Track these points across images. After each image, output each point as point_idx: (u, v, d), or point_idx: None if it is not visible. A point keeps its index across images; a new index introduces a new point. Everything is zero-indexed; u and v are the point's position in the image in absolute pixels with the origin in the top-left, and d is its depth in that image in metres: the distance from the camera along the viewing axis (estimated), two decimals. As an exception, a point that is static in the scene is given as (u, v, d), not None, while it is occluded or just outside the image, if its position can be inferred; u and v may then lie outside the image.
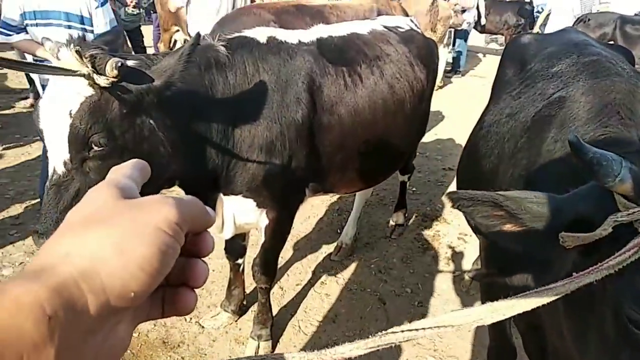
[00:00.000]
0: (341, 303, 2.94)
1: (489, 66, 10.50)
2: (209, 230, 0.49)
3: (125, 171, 0.47)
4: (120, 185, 0.44)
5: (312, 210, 3.97)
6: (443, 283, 3.16)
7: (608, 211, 0.79)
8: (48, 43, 1.50)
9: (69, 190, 1.52)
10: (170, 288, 0.46)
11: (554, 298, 0.70)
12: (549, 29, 7.67)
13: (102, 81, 1.44)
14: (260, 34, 2.10)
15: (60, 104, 1.49)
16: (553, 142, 1.39)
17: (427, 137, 5.26)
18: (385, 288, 3.08)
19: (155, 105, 1.61)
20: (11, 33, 3.02)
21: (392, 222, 3.73)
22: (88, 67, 1.42)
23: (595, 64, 1.58)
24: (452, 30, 8.12)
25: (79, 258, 0.37)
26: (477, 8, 8.91)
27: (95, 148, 1.50)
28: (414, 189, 4.44)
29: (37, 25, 3.04)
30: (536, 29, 8.07)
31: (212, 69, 1.89)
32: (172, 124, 1.70)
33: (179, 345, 2.55)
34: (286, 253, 3.30)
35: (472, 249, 3.54)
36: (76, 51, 1.41)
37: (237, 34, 2.06)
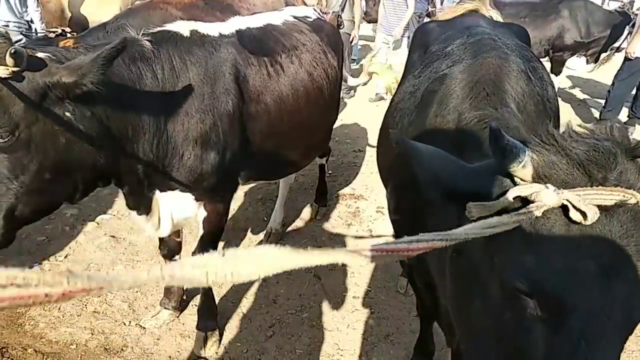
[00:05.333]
0: (279, 285, 3.05)
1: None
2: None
3: None
4: None
5: (236, 203, 4.01)
6: (369, 254, 3.41)
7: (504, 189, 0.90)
8: None
9: None
10: None
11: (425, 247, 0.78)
12: None
13: (1, 71, 1.40)
14: (182, 27, 2.12)
15: None
16: (434, 117, 1.55)
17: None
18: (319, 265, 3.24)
19: (69, 99, 1.59)
20: None
21: (315, 204, 3.92)
22: None
23: (478, 43, 1.76)
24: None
25: None
26: None
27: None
28: (330, 171, 4.65)
29: None
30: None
31: (137, 63, 1.88)
32: (93, 118, 1.68)
33: (122, 350, 2.50)
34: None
35: (389, 219, 3.84)
36: None
37: (159, 28, 2.06)
